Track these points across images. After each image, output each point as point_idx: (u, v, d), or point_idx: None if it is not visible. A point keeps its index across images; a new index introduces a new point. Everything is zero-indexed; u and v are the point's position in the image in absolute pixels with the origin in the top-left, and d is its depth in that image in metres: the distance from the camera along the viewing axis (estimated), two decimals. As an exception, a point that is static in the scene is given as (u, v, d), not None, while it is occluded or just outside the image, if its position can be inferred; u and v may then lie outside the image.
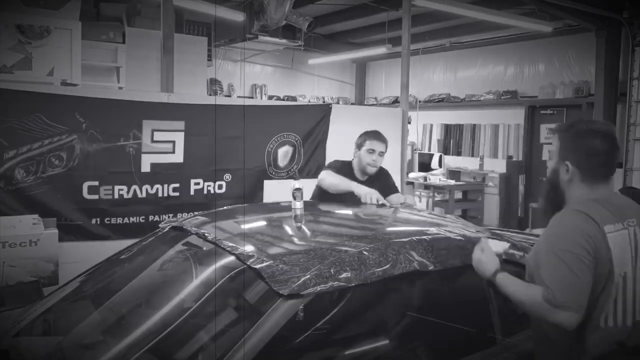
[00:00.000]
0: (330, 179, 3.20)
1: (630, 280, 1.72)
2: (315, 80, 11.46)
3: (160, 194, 3.93)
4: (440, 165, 9.18)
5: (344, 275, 1.78)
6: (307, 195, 3.13)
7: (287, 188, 2.83)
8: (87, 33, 5.48)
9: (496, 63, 9.33)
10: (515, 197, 8.68)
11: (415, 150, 10.07)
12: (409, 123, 5.50)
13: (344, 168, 3.33)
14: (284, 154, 4.55)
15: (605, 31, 7.24)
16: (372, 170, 3.32)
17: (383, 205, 2.97)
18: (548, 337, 1.83)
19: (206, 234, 2.20)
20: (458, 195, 8.79)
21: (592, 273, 1.67)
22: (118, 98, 3.80)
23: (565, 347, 1.76)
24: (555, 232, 1.75)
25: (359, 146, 3.35)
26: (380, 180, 3.37)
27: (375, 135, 3.35)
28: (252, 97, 10.40)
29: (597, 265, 1.68)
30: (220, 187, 4.19)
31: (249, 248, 1.98)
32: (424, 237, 2.11)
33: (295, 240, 2.34)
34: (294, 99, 10.65)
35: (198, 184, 4.09)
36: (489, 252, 1.93)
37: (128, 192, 3.80)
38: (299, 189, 2.64)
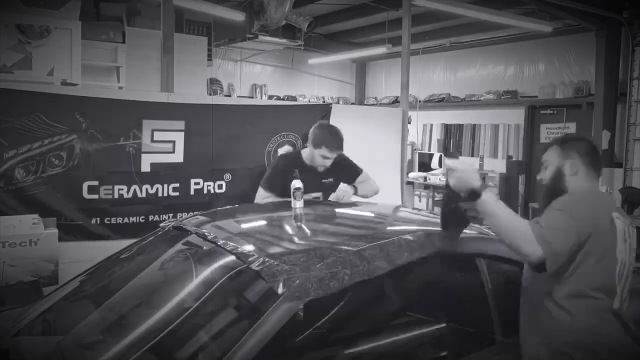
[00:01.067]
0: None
1: (627, 269, 1.86)
2: (315, 80, 11.46)
3: (160, 194, 3.92)
4: (440, 165, 9.18)
5: (344, 273, 1.77)
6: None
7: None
8: (87, 33, 5.47)
9: (496, 63, 9.33)
10: (515, 197, 8.67)
11: (415, 150, 10.08)
12: (409, 123, 5.51)
13: (291, 165, 3.23)
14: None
15: (605, 31, 7.24)
16: (322, 169, 3.31)
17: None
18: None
19: (206, 234, 2.20)
20: (458, 195, 8.78)
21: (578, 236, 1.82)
22: (118, 98, 3.80)
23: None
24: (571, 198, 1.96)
25: (315, 144, 3.27)
26: (338, 170, 3.37)
27: (335, 141, 3.24)
28: (252, 97, 10.40)
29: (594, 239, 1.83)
30: (220, 187, 4.18)
31: (249, 247, 1.98)
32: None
33: (296, 239, 2.34)
34: (294, 98, 10.65)
35: (198, 184, 4.08)
36: (472, 169, 1.94)
37: (128, 191, 3.80)
38: (299, 189, 2.64)
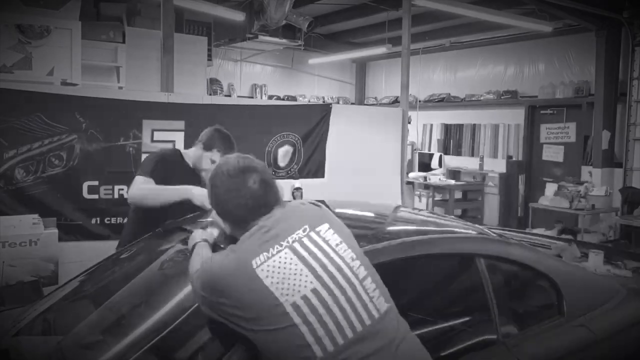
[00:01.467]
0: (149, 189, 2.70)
1: (327, 291, 1.51)
2: (315, 80, 11.46)
3: (160, 194, 3.92)
4: (440, 165, 9.19)
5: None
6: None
7: (287, 188, 2.82)
8: (87, 33, 5.48)
9: (496, 63, 9.33)
10: (515, 197, 8.69)
11: (415, 150, 10.08)
12: (409, 123, 5.51)
13: (169, 157, 2.93)
14: (284, 153, 4.55)
15: (605, 31, 7.24)
16: (204, 174, 2.90)
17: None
18: None
19: (206, 234, 2.19)
20: (458, 195, 8.80)
21: None
22: (118, 98, 3.80)
23: None
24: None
25: (206, 147, 2.93)
26: None
27: (229, 147, 2.94)
28: (252, 97, 10.40)
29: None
30: (220, 187, 4.18)
31: (248, 248, 1.97)
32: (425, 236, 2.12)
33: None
34: (294, 98, 10.65)
35: (198, 183, 4.09)
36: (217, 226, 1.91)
37: (128, 191, 3.80)
38: (298, 189, 2.65)
